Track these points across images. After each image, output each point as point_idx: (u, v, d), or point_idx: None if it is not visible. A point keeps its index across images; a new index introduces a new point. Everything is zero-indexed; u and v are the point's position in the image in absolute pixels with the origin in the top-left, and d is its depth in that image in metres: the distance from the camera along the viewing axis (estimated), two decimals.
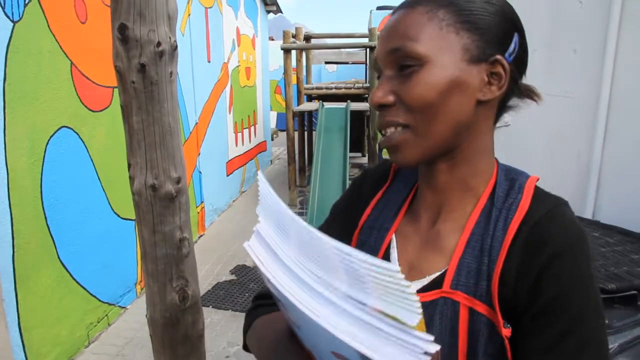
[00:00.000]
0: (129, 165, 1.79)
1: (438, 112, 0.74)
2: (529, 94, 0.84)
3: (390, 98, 0.76)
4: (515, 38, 0.77)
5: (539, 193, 0.77)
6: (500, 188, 0.78)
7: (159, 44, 1.65)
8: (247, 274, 4.94)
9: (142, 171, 1.77)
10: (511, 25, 0.76)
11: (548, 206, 0.73)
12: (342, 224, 0.97)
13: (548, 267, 0.69)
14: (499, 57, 0.74)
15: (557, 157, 3.20)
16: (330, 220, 1.01)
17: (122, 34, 1.60)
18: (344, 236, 0.94)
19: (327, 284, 0.53)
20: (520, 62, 0.79)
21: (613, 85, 2.78)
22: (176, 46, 1.74)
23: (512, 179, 0.79)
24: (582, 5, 2.96)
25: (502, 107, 0.82)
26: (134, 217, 1.89)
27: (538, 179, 0.79)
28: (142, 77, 1.66)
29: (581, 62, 2.95)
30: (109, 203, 3.87)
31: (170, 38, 1.70)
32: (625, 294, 1.74)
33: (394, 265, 0.46)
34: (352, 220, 0.95)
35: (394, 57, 0.76)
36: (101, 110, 3.73)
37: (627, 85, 2.73)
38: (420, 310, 0.45)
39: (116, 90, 3.15)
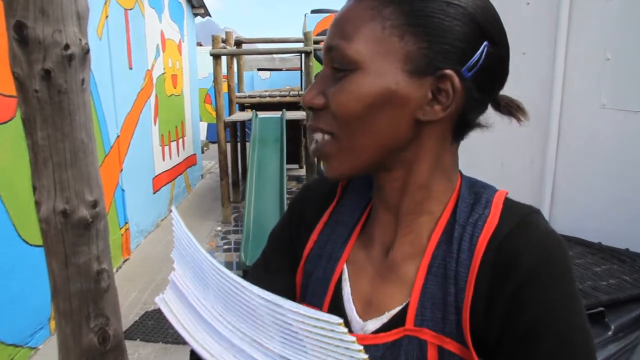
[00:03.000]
0: (34, 189, 1.66)
1: (363, 127, 0.68)
2: (510, 110, 0.76)
3: (319, 101, 0.70)
4: (483, 48, 0.67)
5: (508, 205, 0.70)
6: (463, 203, 0.72)
7: (67, 46, 1.53)
8: None
9: (50, 195, 1.65)
10: (479, 32, 0.67)
11: (517, 217, 0.68)
12: (284, 254, 0.89)
13: (522, 288, 0.63)
14: (447, 71, 0.65)
15: (508, 165, 3.23)
16: (268, 251, 0.92)
17: (20, 34, 1.46)
18: (288, 269, 0.87)
19: (256, 343, 0.48)
20: (486, 77, 0.69)
21: (565, 87, 2.82)
22: (88, 49, 1.62)
23: (477, 192, 0.73)
24: (529, 4, 3.01)
25: (463, 124, 0.73)
26: None
27: (507, 193, 0.73)
28: (47, 85, 1.53)
29: (531, 64, 2.99)
30: (16, 229, 3.62)
31: (80, 40, 1.58)
32: (592, 311, 1.72)
33: (334, 317, 0.43)
34: (295, 249, 0.87)
35: (329, 56, 0.70)
36: (4, 123, 3.48)
37: (579, 87, 2.78)
38: None
39: None
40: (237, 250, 6.22)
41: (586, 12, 2.73)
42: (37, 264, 3.80)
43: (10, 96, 3.52)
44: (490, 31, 0.68)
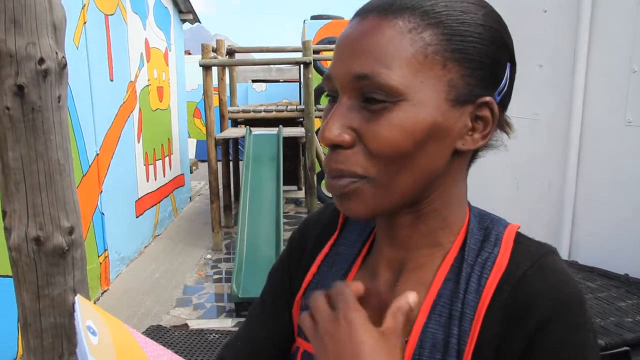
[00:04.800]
0: (4, 214, 1.69)
1: (408, 164, 0.68)
2: (502, 124, 0.79)
3: (348, 137, 0.68)
4: (508, 69, 0.72)
5: (519, 243, 0.73)
6: (472, 239, 0.75)
7: (41, 60, 1.57)
8: (163, 336, 4.76)
9: (22, 220, 1.68)
10: (505, 53, 0.71)
11: (532, 257, 0.70)
12: (281, 292, 0.93)
13: (539, 336, 0.66)
14: (488, 99, 0.69)
15: (524, 189, 3.25)
16: (266, 289, 0.97)
17: None
18: (285, 307, 0.91)
19: None
20: (507, 97, 0.74)
21: (586, 103, 2.84)
22: (65, 64, 1.66)
23: (486, 227, 0.76)
24: (547, 12, 3.04)
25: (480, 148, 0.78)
26: None
27: (519, 228, 0.76)
28: (21, 102, 1.57)
29: (548, 78, 3.02)
30: None
31: (57, 54, 1.62)
32: (615, 351, 1.73)
33: None
34: (293, 284, 0.91)
35: (359, 84, 0.67)
36: None
37: (602, 102, 2.80)
38: None
39: None
40: (228, 280, 6.22)
41: (610, 20, 2.76)
42: (2, 296, 3.80)
43: None
44: (512, 51, 0.73)
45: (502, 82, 0.71)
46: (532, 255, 0.71)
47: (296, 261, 0.93)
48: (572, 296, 0.68)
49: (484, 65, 0.68)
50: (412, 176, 0.69)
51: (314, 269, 0.88)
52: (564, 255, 2.94)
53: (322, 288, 0.84)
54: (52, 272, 1.72)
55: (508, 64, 0.72)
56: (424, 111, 0.66)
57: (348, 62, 0.68)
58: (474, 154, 0.78)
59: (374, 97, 0.66)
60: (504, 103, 0.74)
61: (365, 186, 0.69)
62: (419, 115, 0.66)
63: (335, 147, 0.69)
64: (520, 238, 0.74)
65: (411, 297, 0.66)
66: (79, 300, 0.58)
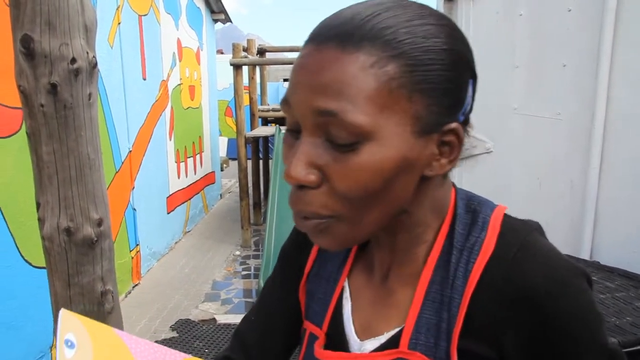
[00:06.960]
0: (38, 205, 1.75)
1: (377, 200, 0.67)
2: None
3: (313, 177, 0.66)
4: (470, 88, 0.71)
5: (506, 226, 0.73)
6: (460, 224, 0.76)
7: (73, 60, 1.63)
8: (190, 330, 4.83)
9: (54, 212, 1.74)
10: (467, 72, 0.70)
11: (519, 238, 0.71)
12: (290, 271, 0.99)
13: (546, 319, 0.67)
14: (454, 125, 0.68)
15: (547, 188, 3.24)
16: (278, 268, 1.02)
17: (27, 48, 1.57)
18: (292, 286, 0.96)
19: None
20: (469, 111, 0.73)
21: (609, 103, 2.81)
22: (95, 63, 1.72)
23: (474, 210, 0.76)
24: (571, 11, 3.03)
25: None
26: None
27: (506, 209, 0.77)
28: (54, 99, 1.63)
29: (571, 78, 3.01)
30: (18, 248, 3.71)
31: (87, 53, 1.68)
32: (630, 349, 1.73)
33: None
34: (299, 267, 0.96)
35: (322, 120, 0.64)
36: (8, 137, 3.62)
37: (625, 103, 2.77)
38: None
39: None
40: (256, 276, 6.26)
41: (634, 19, 2.73)
42: (39, 286, 3.90)
43: (13, 107, 3.67)
44: (474, 67, 0.72)
45: (466, 102, 0.70)
46: (518, 236, 0.71)
47: (301, 244, 0.98)
48: (564, 269, 0.69)
49: (448, 91, 0.66)
50: (381, 210, 0.68)
51: (313, 255, 0.94)
52: (585, 255, 2.93)
53: (323, 274, 0.91)
54: (81, 261, 1.79)
55: (470, 81, 0.70)
56: (391, 148, 0.64)
57: (309, 96, 0.64)
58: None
59: (337, 135, 0.64)
60: (468, 118, 0.73)
61: (335, 224, 0.69)
62: (387, 153, 0.64)
63: (300, 186, 0.67)
64: (506, 221, 0.74)
65: None
66: (62, 313, 0.60)
